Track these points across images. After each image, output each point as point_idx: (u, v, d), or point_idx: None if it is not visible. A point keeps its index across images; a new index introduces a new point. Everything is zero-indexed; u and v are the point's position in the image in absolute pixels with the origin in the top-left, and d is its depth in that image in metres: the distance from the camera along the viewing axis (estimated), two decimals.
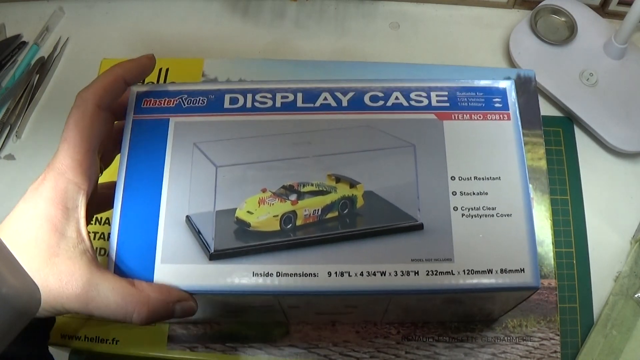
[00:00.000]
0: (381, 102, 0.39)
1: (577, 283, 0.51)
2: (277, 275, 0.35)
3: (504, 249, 0.36)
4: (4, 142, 0.58)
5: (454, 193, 0.37)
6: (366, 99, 0.39)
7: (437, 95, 0.39)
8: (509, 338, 0.47)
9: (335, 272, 0.35)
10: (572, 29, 0.60)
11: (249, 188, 0.37)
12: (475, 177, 0.37)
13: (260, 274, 0.35)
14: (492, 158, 0.38)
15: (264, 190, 0.37)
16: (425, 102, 0.39)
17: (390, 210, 0.37)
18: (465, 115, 0.38)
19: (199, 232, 0.36)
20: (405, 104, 0.39)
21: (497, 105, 0.39)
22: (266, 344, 0.46)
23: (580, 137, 0.57)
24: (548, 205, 0.51)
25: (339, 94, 0.39)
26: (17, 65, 0.61)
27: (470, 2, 0.65)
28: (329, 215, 0.38)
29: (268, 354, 0.46)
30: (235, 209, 0.37)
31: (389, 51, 0.62)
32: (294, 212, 0.37)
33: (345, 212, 0.38)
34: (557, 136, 0.57)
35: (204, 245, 0.36)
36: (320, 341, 0.46)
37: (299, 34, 0.63)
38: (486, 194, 0.37)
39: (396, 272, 0.35)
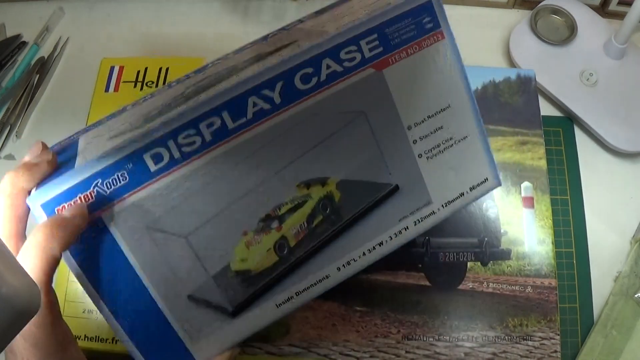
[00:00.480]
0: (314, 80, 0.34)
1: (577, 283, 0.51)
2: (297, 295, 0.37)
3: (468, 169, 0.39)
4: (4, 142, 0.58)
5: (415, 141, 0.37)
6: (297, 84, 0.34)
7: (367, 43, 0.35)
8: (509, 337, 0.47)
9: (343, 265, 0.37)
10: (572, 29, 0.60)
11: (229, 239, 0.35)
12: (428, 116, 0.37)
13: (283, 302, 0.37)
14: (438, 87, 0.37)
15: (245, 233, 0.35)
16: (359, 57, 0.35)
17: (365, 187, 0.37)
18: (401, 54, 0.36)
19: (208, 303, 0.36)
20: (339, 69, 0.34)
21: (428, 26, 0.36)
22: (266, 343, 0.46)
23: (580, 137, 0.57)
24: (548, 205, 0.51)
25: (267, 92, 0.33)
26: (17, 65, 0.61)
27: (470, 2, 0.64)
28: (316, 222, 0.37)
29: (268, 354, 0.46)
30: (228, 264, 0.36)
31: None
32: (283, 237, 0.37)
33: (328, 211, 0.37)
34: (557, 136, 0.57)
35: (219, 309, 0.36)
36: (320, 340, 0.46)
37: None
38: (441, 127, 0.37)
39: (390, 237, 0.38)
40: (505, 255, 0.49)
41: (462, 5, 0.65)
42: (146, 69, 0.57)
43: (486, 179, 0.40)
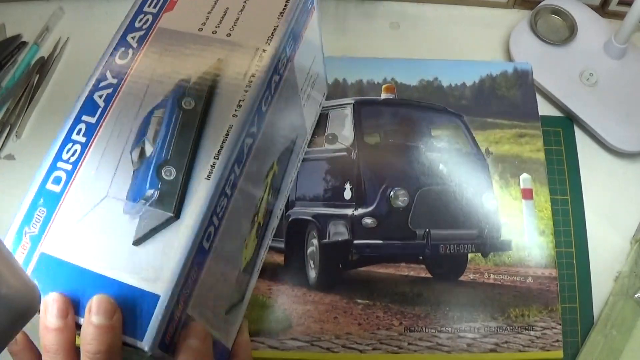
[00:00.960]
0: (269, 98, 0.38)
1: (577, 283, 0.51)
2: (262, 254, 0.45)
3: (319, 93, 0.51)
4: (4, 142, 0.58)
5: (302, 97, 0.45)
6: (262, 107, 0.37)
7: (287, 46, 0.38)
8: (511, 328, 0.47)
9: (280, 208, 0.48)
10: (572, 29, 0.60)
11: (241, 253, 0.40)
12: (307, 74, 0.45)
13: (259, 266, 0.45)
14: (312, 49, 0.45)
15: (245, 240, 0.40)
16: (285, 60, 0.39)
17: (286, 152, 0.45)
18: (300, 39, 0.40)
19: (232, 305, 0.40)
20: (278, 78, 0.38)
21: (309, 7, 0.41)
22: (268, 337, 0.46)
23: (580, 137, 0.57)
24: (547, 196, 0.52)
25: (252, 129, 0.36)
26: (17, 65, 0.61)
27: (470, 2, 0.65)
28: (270, 196, 0.44)
29: (271, 348, 0.46)
30: (240, 268, 0.41)
31: (389, 51, 0.62)
32: (259, 223, 0.43)
33: (274, 184, 0.44)
34: (557, 136, 0.57)
35: (237, 303, 0.42)
36: (322, 334, 0.46)
37: None
38: (311, 76, 0.46)
39: (294, 172, 0.49)
40: (506, 246, 0.49)
41: (462, 5, 0.65)
42: None
43: (324, 93, 0.52)
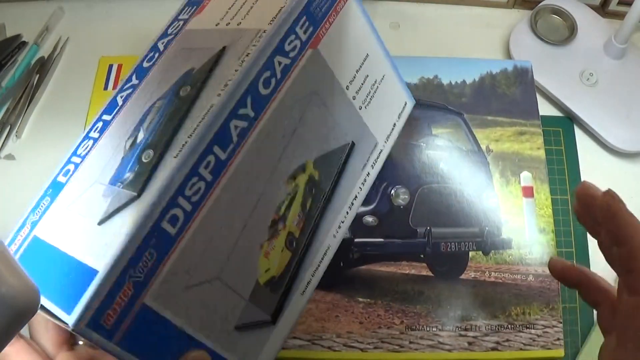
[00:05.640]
0: (273, 81, 0.35)
1: None
2: (312, 276, 0.40)
3: (392, 102, 0.46)
4: (4, 142, 0.58)
5: (354, 97, 0.41)
6: (262, 90, 0.35)
7: (301, 27, 0.36)
8: (512, 326, 0.47)
9: (336, 230, 0.42)
10: (572, 29, 0.60)
11: (252, 259, 0.36)
12: (356, 71, 0.41)
13: (305, 288, 0.40)
14: (356, 42, 0.41)
15: (262, 246, 0.37)
16: (299, 43, 0.36)
17: (333, 156, 0.41)
18: (326, 25, 0.38)
19: (252, 324, 0.37)
20: (287, 61, 0.35)
21: None
22: None
23: (580, 137, 0.57)
24: (548, 194, 0.52)
25: (242, 111, 0.34)
26: (17, 65, 0.61)
27: (470, 2, 0.65)
28: (308, 205, 0.39)
29: None
30: (257, 280, 0.37)
31: (389, 51, 0.62)
32: (289, 233, 0.38)
33: (314, 192, 0.40)
34: (557, 136, 0.57)
35: (261, 323, 0.38)
36: (323, 332, 0.46)
37: None
38: (367, 76, 0.42)
39: (360, 187, 0.43)
40: (507, 244, 0.49)
41: (462, 5, 0.65)
42: None
43: (405, 103, 0.47)
